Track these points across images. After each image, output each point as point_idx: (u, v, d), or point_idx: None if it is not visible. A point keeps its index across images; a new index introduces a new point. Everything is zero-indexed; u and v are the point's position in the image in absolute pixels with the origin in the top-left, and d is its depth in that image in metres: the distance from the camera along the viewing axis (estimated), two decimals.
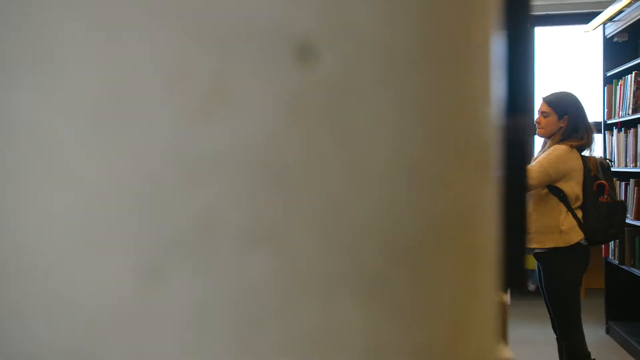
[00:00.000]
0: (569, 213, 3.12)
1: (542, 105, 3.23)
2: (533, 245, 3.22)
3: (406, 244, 0.26)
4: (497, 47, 0.38)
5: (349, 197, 0.24)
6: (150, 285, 0.24)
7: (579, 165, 3.12)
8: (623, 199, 4.78)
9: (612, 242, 4.92)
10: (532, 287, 6.90)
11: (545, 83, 7.66)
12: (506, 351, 0.69)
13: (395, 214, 0.26)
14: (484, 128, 0.33)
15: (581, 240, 3.17)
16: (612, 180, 3.27)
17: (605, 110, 5.21)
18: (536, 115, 3.26)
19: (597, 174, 3.22)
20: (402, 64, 0.26)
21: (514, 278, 0.61)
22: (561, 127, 3.16)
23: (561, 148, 3.10)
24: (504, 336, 0.84)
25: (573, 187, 3.12)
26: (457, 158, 0.29)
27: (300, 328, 0.23)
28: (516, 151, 0.60)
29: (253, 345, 0.23)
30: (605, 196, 3.22)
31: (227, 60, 0.23)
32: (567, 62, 7.74)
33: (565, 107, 3.16)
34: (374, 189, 0.25)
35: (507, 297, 0.76)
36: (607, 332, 5.15)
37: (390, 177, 0.26)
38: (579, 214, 3.16)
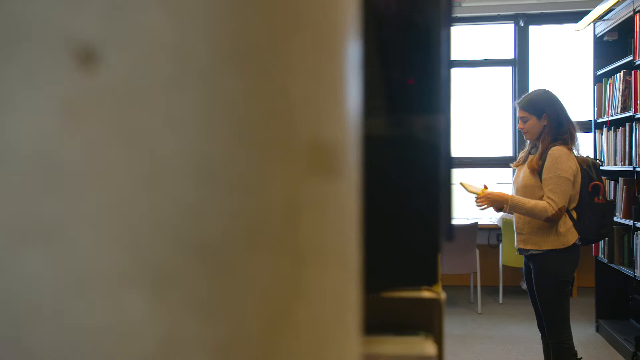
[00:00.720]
0: (566, 215, 3.13)
1: (518, 112, 3.24)
2: (528, 247, 3.23)
3: (204, 240, 0.27)
4: (349, 51, 0.39)
5: (136, 196, 0.25)
6: None
7: (576, 165, 3.12)
8: (612, 197, 4.79)
9: (602, 240, 4.93)
10: (525, 286, 6.91)
11: (541, 82, 7.66)
12: (429, 347, 0.70)
13: (192, 212, 0.27)
14: (319, 129, 0.34)
15: (576, 240, 3.18)
16: (603, 181, 3.28)
17: (596, 109, 5.21)
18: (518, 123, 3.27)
19: (592, 175, 3.22)
20: (203, 67, 0.27)
21: (425, 276, 0.62)
22: (545, 126, 3.16)
23: (559, 149, 3.09)
24: (436, 332, 0.85)
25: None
26: (275, 159, 0.30)
27: (80, 325, 0.24)
28: (430, 151, 0.61)
29: (28, 346, 0.23)
30: (600, 197, 3.23)
31: None
32: (560, 61, 7.75)
33: (540, 105, 3.16)
34: (166, 188, 0.25)
35: (442, 294, 0.77)
36: (597, 330, 5.16)
37: (187, 176, 0.26)
38: (574, 214, 3.17)
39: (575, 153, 3.19)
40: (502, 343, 4.90)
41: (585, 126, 5.57)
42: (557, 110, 3.14)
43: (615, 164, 4.76)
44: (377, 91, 0.58)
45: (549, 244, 3.16)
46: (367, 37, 0.43)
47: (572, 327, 5.31)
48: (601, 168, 5.06)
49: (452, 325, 5.43)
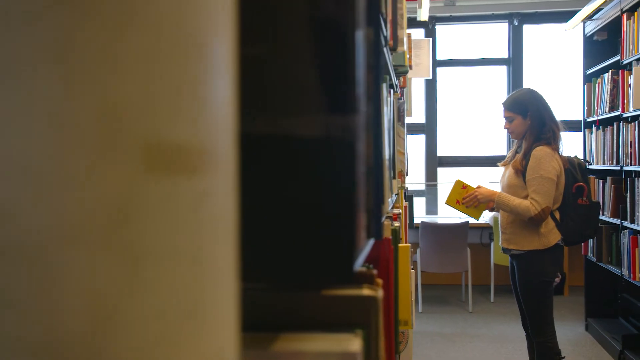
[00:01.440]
0: (549, 215, 3.14)
1: (504, 112, 3.26)
2: (511, 247, 3.25)
3: (12, 239, 0.29)
4: (215, 52, 0.40)
5: None
6: None
7: (560, 166, 3.13)
8: (601, 196, 4.80)
9: (591, 239, 4.95)
10: None
11: (534, 81, 7.67)
12: (354, 344, 0.71)
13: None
14: (158, 130, 0.35)
15: (559, 241, 3.19)
16: (588, 181, 3.28)
17: (585, 108, 5.23)
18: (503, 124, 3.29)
19: (576, 175, 3.23)
20: (19, 65, 0.29)
21: (340, 274, 0.63)
22: (529, 125, 3.17)
23: (542, 149, 3.10)
24: (373, 329, 0.87)
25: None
26: (102, 159, 0.31)
27: None
28: (339, 149, 0.62)
29: None
30: (584, 198, 3.24)
31: None
32: (554, 60, 7.76)
33: (525, 104, 3.18)
34: None
35: (379, 292, 0.78)
36: (587, 329, 5.18)
37: None
38: (557, 214, 3.18)
39: (560, 153, 3.20)
40: (492, 342, 4.92)
41: (576, 125, 5.59)
42: (540, 110, 3.16)
43: (604, 163, 4.77)
44: (280, 90, 0.60)
45: (530, 244, 3.17)
46: (259, 37, 0.45)
47: (561, 326, 5.33)
48: (590, 167, 5.09)
49: (443, 324, 5.44)
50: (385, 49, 1.58)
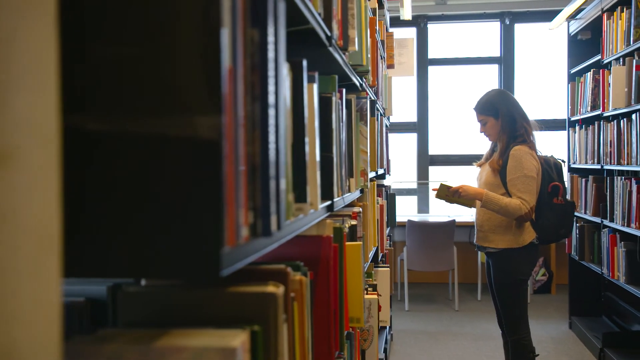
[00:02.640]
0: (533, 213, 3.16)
1: (477, 117, 3.29)
2: (486, 244, 3.27)
3: None
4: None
5: None
6: None
7: (538, 164, 3.16)
8: (583, 195, 4.82)
9: (575, 238, 4.97)
10: None
11: (525, 80, 7.69)
12: (234, 340, 0.74)
13: None
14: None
15: (533, 239, 3.21)
16: (564, 181, 3.30)
17: (570, 107, 5.24)
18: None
19: (552, 175, 3.25)
20: None
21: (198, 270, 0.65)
22: (501, 125, 3.19)
23: (520, 149, 3.13)
24: (272, 325, 0.89)
25: None
26: None
27: None
28: (201, 149, 0.65)
29: None
30: (560, 198, 3.26)
31: None
32: (544, 58, 7.77)
33: (495, 105, 3.20)
34: None
35: (280, 289, 0.81)
36: (570, 327, 5.20)
37: None
38: (532, 214, 3.19)
39: (537, 152, 3.22)
40: (476, 340, 4.94)
41: (563, 124, 5.60)
42: (509, 109, 3.18)
43: (586, 162, 4.79)
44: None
45: (505, 242, 3.20)
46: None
47: (546, 324, 5.36)
48: (573, 166, 5.11)
49: (428, 322, 5.47)
50: (331, 49, 1.61)
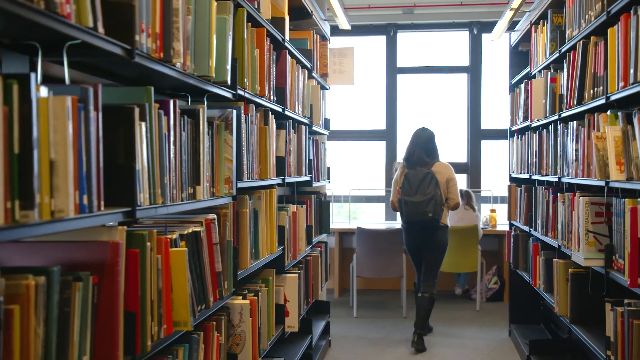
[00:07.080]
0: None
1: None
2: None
3: None
4: None
5: None
6: None
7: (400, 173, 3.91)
8: (518, 205, 4.87)
9: (507, 246, 5.02)
10: (458, 291, 6.98)
11: (491, 89, 7.75)
12: None
13: None
14: None
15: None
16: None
17: (510, 117, 5.31)
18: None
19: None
20: None
21: None
22: None
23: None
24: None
25: None
26: None
27: None
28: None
29: None
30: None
31: None
32: (505, 69, 7.83)
33: None
34: None
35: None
36: (510, 334, 5.25)
37: None
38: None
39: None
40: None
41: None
42: None
43: (520, 172, 4.85)
44: None
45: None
46: None
47: (488, 332, 5.43)
48: (512, 175, 5.17)
49: (371, 329, 5.52)
50: (144, 61, 1.69)
